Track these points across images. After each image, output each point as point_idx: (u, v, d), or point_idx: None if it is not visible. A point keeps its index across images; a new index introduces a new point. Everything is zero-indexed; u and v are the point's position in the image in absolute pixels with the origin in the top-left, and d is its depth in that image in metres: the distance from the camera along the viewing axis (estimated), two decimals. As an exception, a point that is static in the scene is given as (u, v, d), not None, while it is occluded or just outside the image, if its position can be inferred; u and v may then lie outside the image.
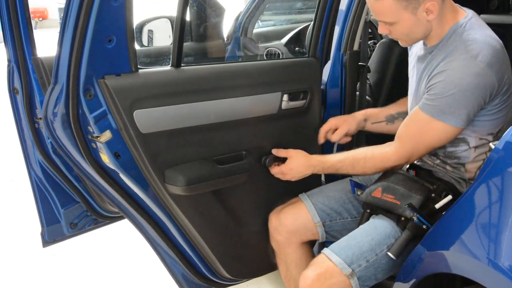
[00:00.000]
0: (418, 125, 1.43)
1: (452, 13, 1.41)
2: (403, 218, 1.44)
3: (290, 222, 1.70)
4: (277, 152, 1.68)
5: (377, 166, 1.52)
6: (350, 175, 1.80)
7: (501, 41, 1.38)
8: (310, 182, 1.77)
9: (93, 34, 1.27)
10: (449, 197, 1.43)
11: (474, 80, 1.31)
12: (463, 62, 1.33)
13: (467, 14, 1.42)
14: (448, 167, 1.52)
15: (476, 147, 1.45)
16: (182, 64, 1.51)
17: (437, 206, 1.43)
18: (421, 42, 1.53)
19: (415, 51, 1.58)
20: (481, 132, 1.43)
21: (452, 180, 1.51)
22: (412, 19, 1.38)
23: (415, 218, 1.40)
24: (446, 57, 1.38)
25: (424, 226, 1.40)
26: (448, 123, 1.36)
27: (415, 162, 1.59)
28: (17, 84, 1.81)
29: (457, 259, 1.21)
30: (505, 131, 1.23)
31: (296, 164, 1.63)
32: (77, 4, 1.24)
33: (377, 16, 1.44)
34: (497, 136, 1.42)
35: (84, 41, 1.27)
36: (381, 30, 1.48)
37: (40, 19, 12.83)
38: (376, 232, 1.46)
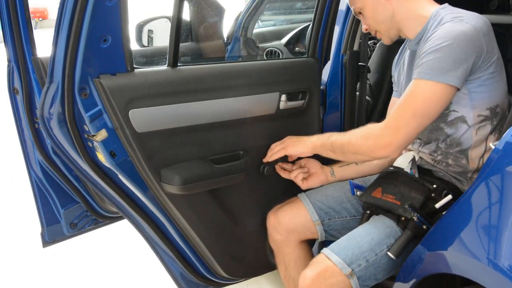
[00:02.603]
0: (408, 91, 1.41)
1: (428, 1, 1.50)
2: (403, 218, 1.44)
3: (288, 221, 1.70)
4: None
5: (364, 139, 1.45)
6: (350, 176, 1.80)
7: (489, 21, 1.41)
8: None
9: (88, 33, 1.27)
10: (449, 197, 1.42)
11: (461, 35, 1.33)
12: (449, 23, 1.37)
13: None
14: (450, 161, 1.50)
15: (476, 129, 1.44)
16: (178, 64, 1.51)
17: (437, 205, 1.43)
18: (407, 54, 1.59)
19: (402, 62, 1.64)
20: (479, 107, 1.42)
21: (453, 179, 1.51)
22: (371, 1, 1.50)
23: (415, 218, 1.39)
24: (435, 30, 1.40)
25: (424, 226, 1.39)
26: (437, 80, 1.34)
27: (415, 160, 1.58)
28: (17, 84, 1.81)
29: (457, 260, 1.21)
30: (504, 130, 1.24)
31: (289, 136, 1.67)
32: (71, 4, 1.24)
33: (350, 4, 1.57)
34: (495, 112, 1.43)
35: (78, 41, 1.28)
36: (364, 27, 1.58)
37: (40, 19, 12.83)
38: (376, 232, 1.45)
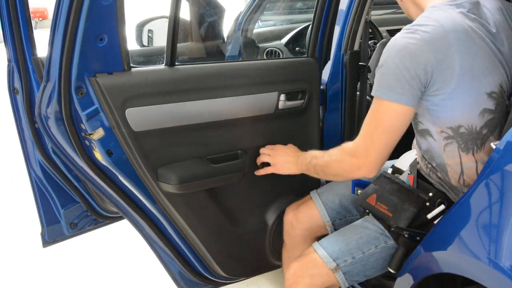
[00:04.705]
0: (370, 110, 1.34)
1: None
2: (393, 229, 1.44)
3: (306, 221, 1.72)
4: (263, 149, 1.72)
5: (339, 162, 1.41)
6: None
7: (477, 32, 1.26)
8: (308, 182, 1.77)
9: (84, 32, 1.28)
10: (442, 207, 1.41)
11: (403, 51, 1.22)
12: (401, 33, 1.26)
13: None
14: (439, 174, 1.44)
15: (443, 145, 1.33)
16: (176, 63, 1.51)
17: (429, 216, 1.41)
18: None
19: None
20: (440, 125, 1.31)
21: (443, 189, 1.46)
22: None
23: (405, 235, 1.40)
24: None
25: (418, 238, 1.39)
26: (389, 98, 1.25)
27: (417, 162, 1.57)
28: (17, 84, 1.80)
29: (458, 259, 1.21)
30: (505, 131, 1.23)
31: (282, 147, 1.68)
32: (67, 3, 1.25)
33: None
34: (458, 132, 1.30)
35: (75, 40, 1.28)
36: None
37: (40, 19, 12.81)
38: (366, 232, 1.47)
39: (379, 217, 1.49)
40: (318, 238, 1.76)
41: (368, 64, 2.11)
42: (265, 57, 3.28)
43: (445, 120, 1.30)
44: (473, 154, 1.32)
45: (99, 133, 1.38)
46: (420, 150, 1.46)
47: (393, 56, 1.24)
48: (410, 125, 1.37)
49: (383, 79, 1.26)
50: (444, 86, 1.24)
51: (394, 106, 1.26)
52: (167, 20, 2.41)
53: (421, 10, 1.36)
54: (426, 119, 1.34)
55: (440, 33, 1.22)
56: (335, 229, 1.69)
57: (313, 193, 1.74)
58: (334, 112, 2.07)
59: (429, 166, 1.46)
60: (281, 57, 3.21)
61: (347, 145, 1.41)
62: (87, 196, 2.02)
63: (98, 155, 1.43)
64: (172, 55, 1.49)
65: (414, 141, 1.67)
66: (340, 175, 1.45)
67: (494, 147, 1.12)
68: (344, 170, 1.41)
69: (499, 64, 1.30)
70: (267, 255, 1.89)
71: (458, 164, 1.35)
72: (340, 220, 1.70)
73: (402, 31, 1.27)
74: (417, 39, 1.22)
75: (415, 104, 1.26)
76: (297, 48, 3.24)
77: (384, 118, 1.29)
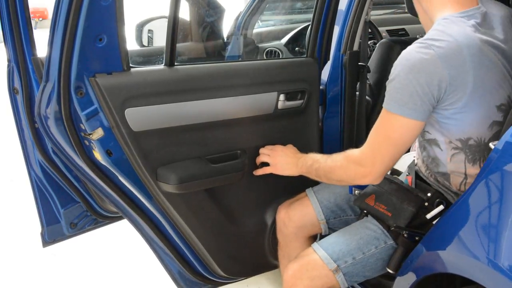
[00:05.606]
0: (378, 120, 1.34)
1: (443, 5, 1.30)
2: (392, 228, 1.44)
3: (299, 218, 1.72)
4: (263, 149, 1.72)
5: (344, 169, 1.42)
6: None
7: (488, 46, 1.24)
8: (307, 183, 1.78)
9: (83, 33, 1.28)
10: (441, 207, 1.41)
11: (417, 66, 1.20)
12: (414, 46, 1.23)
13: (468, 10, 1.28)
14: (439, 178, 1.45)
15: (450, 155, 1.35)
16: (175, 63, 1.52)
17: (428, 216, 1.41)
18: None
19: None
20: (449, 136, 1.32)
21: (441, 190, 1.47)
22: None
23: (405, 235, 1.40)
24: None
25: (417, 238, 1.40)
26: (399, 113, 1.25)
27: (415, 164, 1.58)
28: (17, 84, 1.81)
29: (457, 259, 1.21)
30: (504, 130, 1.23)
31: (282, 147, 1.67)
32: (66, 3, 1.25)
33: None
34: (467, 144, 1.31)
35: (74, 40, 1.29)
36: None
37: (40, 19, 12.80)
38: (366, 232, 1.47)
39: (378, 217, 1.49)
40: (311, 237, 1.77)
41: (368, 65, 2.11)
42: (264, 57, 3.28)
43: (455, 132, 1.30)
44: (479, 165, 1.33)
45: (99, 133, 1.38)
46: (423, 156, 1.47)
47: (406, 70, 1.22)
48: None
49: (395, 93, 1.25)
50: (457, 101, 1.24)
51: (405, 121, 1.26)
52: (167, 20, 2.41)
53: (430, 20, 1.35)
54: (435, 129, 1.34)
55: (455, 49, 1.21)
56: (329, 228, 1.70)
57: (309, 191, 1.75)
58: (334, 112, 2.07)
59: (429, 170, 1.47)
60: (280, 57, 3.21)
61: (353, 153, 1.41)
62: (87, 196, 2.02)
63: (98, 155, 1.43)
64: (171, 55, 1.49)
65: (412, 144, 1.67)
66: (344, 181, 1.46)
67: (492, 147, 1.13)
68: (349, 177, 1.42)
69: (508, 75, 1.30)
70: (266, 254, 1.90)
71: (462, 173, 1.37)
72: (334, 219, 1.70)
73: (414, 44, 1.25)
74: (431, 54, 1.20)
75: (425, 119, 1.27)
76: (296, 48, 3.24)
77: (393, 131, 1.29)
